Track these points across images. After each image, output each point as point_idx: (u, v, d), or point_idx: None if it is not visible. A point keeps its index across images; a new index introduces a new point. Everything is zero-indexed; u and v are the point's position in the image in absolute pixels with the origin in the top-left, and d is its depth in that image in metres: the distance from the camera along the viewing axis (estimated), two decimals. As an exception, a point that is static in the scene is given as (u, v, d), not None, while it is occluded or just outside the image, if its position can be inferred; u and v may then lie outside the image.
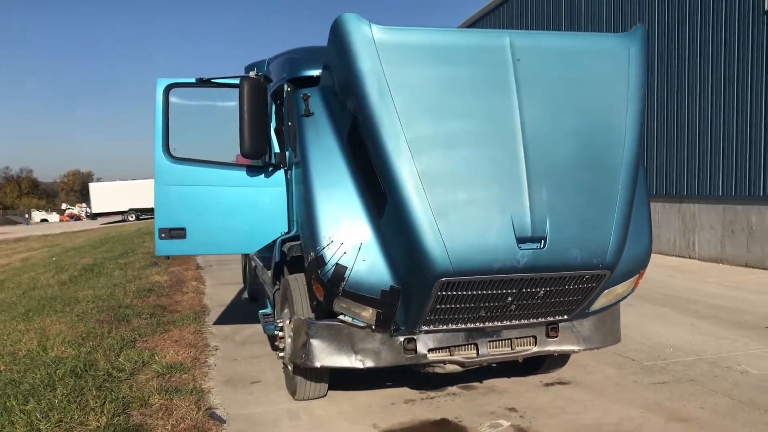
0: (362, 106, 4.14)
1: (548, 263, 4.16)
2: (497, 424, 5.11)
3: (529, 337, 5.04)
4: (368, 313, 4.54)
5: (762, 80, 12.45)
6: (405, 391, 5.98)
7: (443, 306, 4.31)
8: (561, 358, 6.22)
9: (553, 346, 5.09)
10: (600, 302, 4.83)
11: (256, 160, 6.19)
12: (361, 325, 4.65)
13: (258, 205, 6.31)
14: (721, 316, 8.72)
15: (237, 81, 6.29)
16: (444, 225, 3.98)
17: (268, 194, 6.31)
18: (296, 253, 5.74)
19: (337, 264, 4.38)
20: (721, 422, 5.05)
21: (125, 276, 14.54)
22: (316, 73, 6.28)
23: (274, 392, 6.11)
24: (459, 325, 4.62)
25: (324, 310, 5.45)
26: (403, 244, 4.17)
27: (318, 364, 4.83)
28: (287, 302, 5.87)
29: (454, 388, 6.04)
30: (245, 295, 11.56)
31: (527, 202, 4.13)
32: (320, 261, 4.41)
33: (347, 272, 4.37)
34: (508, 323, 4.73)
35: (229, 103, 6.61)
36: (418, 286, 4.21)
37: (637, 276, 4.90)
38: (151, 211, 55.83)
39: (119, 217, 58.08)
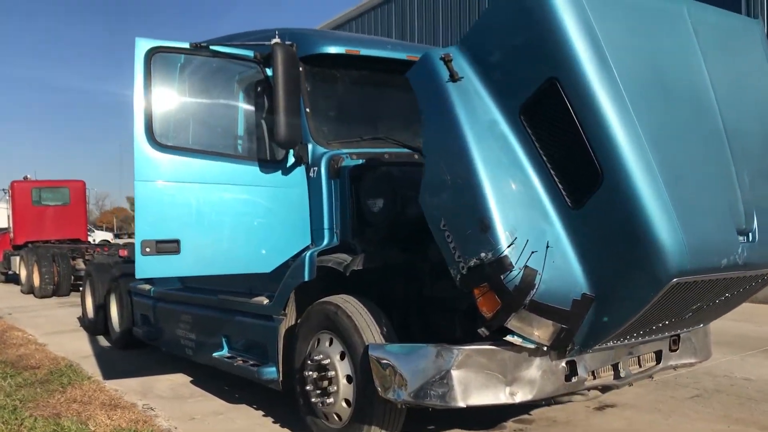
0: (573, 67, 3.29)
1: (759, 259, 3.66)
2: (619, 456, 4.41)
3: (654, 352, 4.47)
4: (543, 331, 3.60)
5: None
6: (465, 433, 4.99)
7: (647, 315, 3.56)
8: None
9: (673, 360, 4.58)
10: (724, 308, 4.46)
11: (290, 149, 4.82)
12: (531, 346, 3.67)
13: (274, 211, 4.91)
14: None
15: (248, 52, 4.93)
16: (680, 214, 3.27)
17: (287, 196, 4.95)
18: (358, 266, 4.52)
19: (526, 267, 3.39)
20: (804, 426, 4.96)
21: None
22: (335, 50, 5.21)
23: (304, 453, 4.70)
24: (624, 340, 3.89)
25: (403, 335, 4.39)
26: (616, 239, 3.35)
27: (463, 404, 3.71)
28: (332, 332, 4.58)
29: (510, 423, 5.21)
30: (105, 342, 9.35)
31: (738, 190, 3.62)
32: (502, 264, 3.38)
33: (538, 277, 3.41)
34: (660, 336, 4.12)
35: (225, 81, 5.15)
36: (633, 291, 3.41)
37: None
38: None
39: None
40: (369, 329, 4.34)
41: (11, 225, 19.16)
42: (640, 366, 4.42)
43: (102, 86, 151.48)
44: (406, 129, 5.63)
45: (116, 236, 52.26)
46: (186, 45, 4.74)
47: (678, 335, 4.52)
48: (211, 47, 4.82)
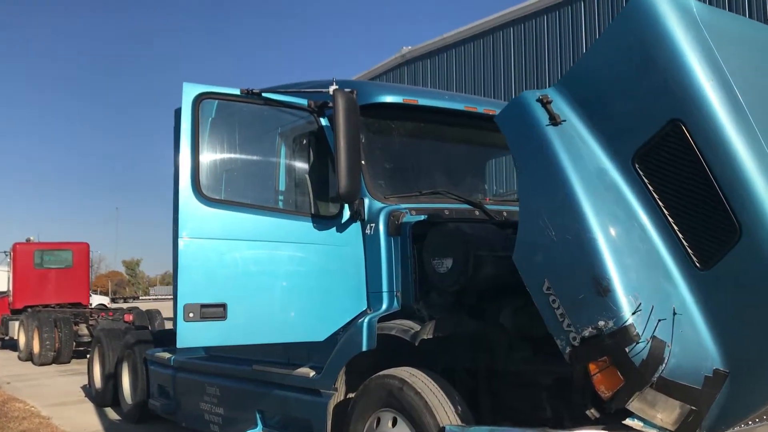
0: (701, 107, 2.90)
1: None
2: None
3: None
4: (668, 413, 3.07)
5: None
6: None
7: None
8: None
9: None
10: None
11: (350, 202, 4.39)
12: (652, 431, 3.13)
13: (328, 271, 4.43)
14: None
15: (301, 100, 4.57)
16: None
17: (341, 255, 4.48)
18: (428, 335, 4.01)
19: (654, 338, 2.90)
20: None
21: None
22: (392, 99, 4.86)
23: None
24: (752, 423, 3.36)
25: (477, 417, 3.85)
26: (756, 305, 2.88)
27: (572, 500, 3.14)
28: (396, 411, 4.03)
29: None
30: (114, 415, 8.67)
31: None
32: (626, 334, 2.89)
33: (667, 350, 2.91)
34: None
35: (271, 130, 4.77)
36: None
37: None
38: None
39: None
40: (443, 408, 3.80)
41: (11, 288, 18.53)
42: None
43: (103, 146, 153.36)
44: (464, 183, 5.26)
45: (113, 300, 51.36)
46: (236, 91, 4.38)
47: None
48: (263, 94, 4.45)
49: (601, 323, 2.95)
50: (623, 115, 3.19)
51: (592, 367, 3.04)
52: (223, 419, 5.95)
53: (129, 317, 15.28)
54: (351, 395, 4.64)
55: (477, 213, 4.79)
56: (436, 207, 4.68)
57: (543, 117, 3.27)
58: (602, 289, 2.95)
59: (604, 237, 3.01)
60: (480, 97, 6.27)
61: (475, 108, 5.10)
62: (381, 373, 4.20)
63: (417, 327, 4.10)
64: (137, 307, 17.79)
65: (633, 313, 2.90)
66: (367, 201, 4.57)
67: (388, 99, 4.80)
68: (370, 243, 4.52)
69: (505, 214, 4.95)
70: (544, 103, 3.28)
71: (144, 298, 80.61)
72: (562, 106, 3.31)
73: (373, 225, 4.52)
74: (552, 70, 15.38)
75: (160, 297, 71.49)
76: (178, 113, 5.58)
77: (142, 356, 7.94)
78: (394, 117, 4.90)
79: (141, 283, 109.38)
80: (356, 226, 4.55)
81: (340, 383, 4.59)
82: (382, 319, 4.32)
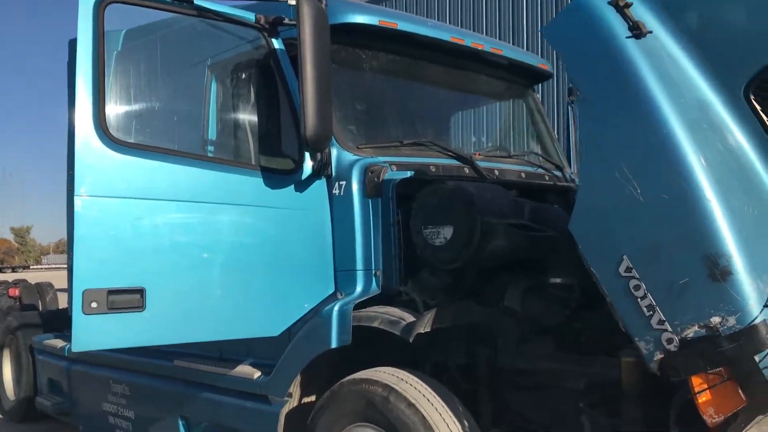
0: None
1: None
2: None
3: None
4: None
5: None
6: None
7: None
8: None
9: None
10: None
11: (319, 150, 3.31)
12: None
13: (283, 243, 3.35)
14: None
15: (247, 14, 3.43)
16: None
17: (301, 222, 3.41)
18: (427, 327, 3.04)
19: None
20: None
21: None
22: (365, 20, 3.80)
23: None
24: None
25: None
26: None
27: None
28: (379, 427, 3.07)
29: None
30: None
31: None
32: (754, 337, 2.02)
33: None
34: None
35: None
36: None
37: None
38: None
39: None
40: (446, 426, 2.86)
41: None
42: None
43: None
44: (448, 134, 4.31)
45: (-1, 270, 47.40)
46: (155, -6, 3.16)
47: None
48: (196, 2, 3.25)
49: (716, 320, 2.07)
50: (733, 27, 2.28)
51: (695, 381, 2.15)
52: (134, 425, 4.78)
53: (14, 291, 13.45)
54: (306, 400, 3.64)
55: (467, 170, 3.85)
56: (420, 162, 3.69)
57: (620, 26, 2.32)
58: (719, 270, 2.06)
59: (717, 196, 2.10)
60: (470, 31, 5.27)
61: (462, 40, 4.11)
62: (356, 376, 3.21)
63: (408, 317, 3.11)
64: (25, 280, 15.79)
65: (765, 306, 2.03)
66: (335, 151, 3.49)
67: (361, 19, 3.71)
68: (339, 206, 3.46)
69: (497, 172, 4.05)
70: (621, 6, 2.32)
71: (36, 267, 75.58)
72: (642, 13, 2.37)
73: (343, 183, 3.46)
74: (530, 16, 14.28)
75: (53, 266, 67.06)
76: (72, 44, 4.29)
77: (28, 343, 6.59)
78: (366, 45, 3.83)
79: (32, 252, 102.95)
80: (321, 185, 3.46)
81: (295, 387, 3.57)
82: (358, 306, 3.30)
